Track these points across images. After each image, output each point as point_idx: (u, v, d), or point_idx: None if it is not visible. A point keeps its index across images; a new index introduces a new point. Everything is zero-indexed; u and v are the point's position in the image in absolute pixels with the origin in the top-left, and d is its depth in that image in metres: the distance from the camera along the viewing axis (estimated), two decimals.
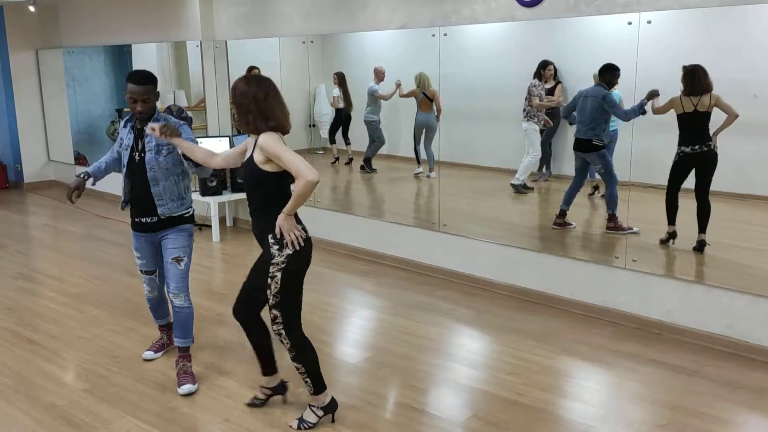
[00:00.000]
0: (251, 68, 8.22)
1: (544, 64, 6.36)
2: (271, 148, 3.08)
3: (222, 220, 7.41)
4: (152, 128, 3.56)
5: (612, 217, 5.53)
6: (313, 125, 8.31)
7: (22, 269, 6.13)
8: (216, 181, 7.02)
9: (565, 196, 5.69)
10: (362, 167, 8.03)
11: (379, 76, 7.81)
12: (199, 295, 5.39)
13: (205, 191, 7.03)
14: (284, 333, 3.21)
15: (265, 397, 3.60)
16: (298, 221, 3.19)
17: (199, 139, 7.35)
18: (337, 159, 8.50)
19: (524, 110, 6.53)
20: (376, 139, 8.00)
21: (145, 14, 8.09)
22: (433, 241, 5.81)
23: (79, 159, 10.24)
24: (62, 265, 6.36)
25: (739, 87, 5.35)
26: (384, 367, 4.09)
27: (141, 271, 4.00)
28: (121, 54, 10.33)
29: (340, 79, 8.15)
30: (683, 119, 5.03)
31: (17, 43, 9.66)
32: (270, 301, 3.18)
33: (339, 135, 8.37)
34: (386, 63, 7.71)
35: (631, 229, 5.39)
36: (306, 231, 3.20)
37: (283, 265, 3.12)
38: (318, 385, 3.35)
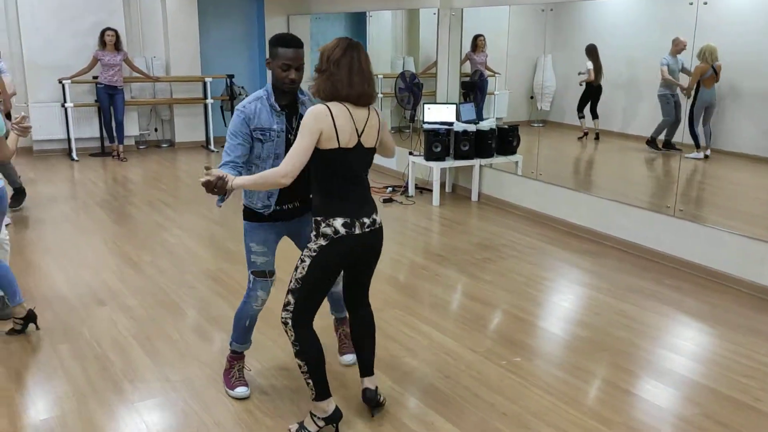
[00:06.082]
0: (477, 36, 8.18)
1: None
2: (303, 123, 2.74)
3: (442, 185, 7.47)
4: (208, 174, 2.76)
5: None
6: (532, 97, 8.06)
7: None
8: (440, 146, 7.07)
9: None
10: (648, 142, 7.52)
11: (678, 47, 7.16)
12: (419, 254, 5.55)
13: (429, 156, 7.11)
14: (290, 323, 2.86)
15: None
16: (346, 214, 2.80)
17: (427, 106, 7.57)
18: (585, 134, 8.14)
19: None
20: (664, 115, 7.51)
21: None
22: (665, 226, 5.36)
23: None
24: None
25: None
26: (601, 350, 3.86)
27: (260, 272, 3.22)
28: (359, 21, 10.85)
29: (592, 52, 7.80)
30: None
31: (273, 8, 10.57)
32: (290, 284, 2.88)
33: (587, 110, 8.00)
34: (628, 33, 7.21)
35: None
36: (350, 227, 2.80)
37: (314, 254, 2.82)
38: (319, 390, 2.93)
